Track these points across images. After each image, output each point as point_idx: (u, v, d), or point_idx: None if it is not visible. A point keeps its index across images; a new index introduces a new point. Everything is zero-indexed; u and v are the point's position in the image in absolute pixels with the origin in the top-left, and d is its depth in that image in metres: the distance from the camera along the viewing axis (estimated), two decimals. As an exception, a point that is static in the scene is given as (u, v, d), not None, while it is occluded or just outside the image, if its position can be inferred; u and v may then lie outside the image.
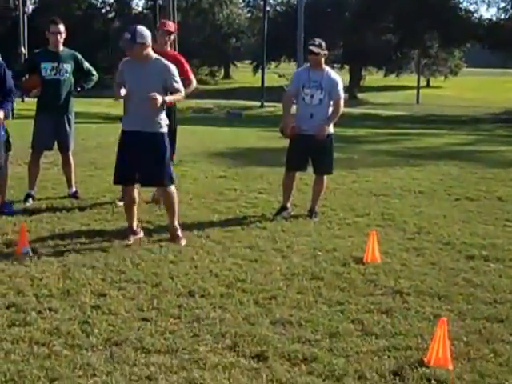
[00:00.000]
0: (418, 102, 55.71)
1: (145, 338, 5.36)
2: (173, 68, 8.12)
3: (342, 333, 5.60)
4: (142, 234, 8.33)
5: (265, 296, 6.41)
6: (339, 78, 9.73)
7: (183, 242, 8.13)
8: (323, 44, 9.50)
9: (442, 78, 70.53)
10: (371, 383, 4.77)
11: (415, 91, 57.42)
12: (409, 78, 64.35)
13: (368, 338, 5.53)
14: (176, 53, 10.52)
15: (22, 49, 36.47)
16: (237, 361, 5.03)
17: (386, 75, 66.95)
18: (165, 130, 8.10)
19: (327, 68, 9.67)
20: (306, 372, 4.89)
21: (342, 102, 9.55)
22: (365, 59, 60.86)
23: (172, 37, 10.01)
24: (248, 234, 8.63)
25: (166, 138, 8.13)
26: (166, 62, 8.11)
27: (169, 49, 10.08)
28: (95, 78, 10.57)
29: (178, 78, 8.14)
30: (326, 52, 9.54)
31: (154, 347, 5.20)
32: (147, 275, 6.92)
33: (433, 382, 4.81)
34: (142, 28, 7.84)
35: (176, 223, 8.28)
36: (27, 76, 10.52)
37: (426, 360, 5.09)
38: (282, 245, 8.18)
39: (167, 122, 8.16)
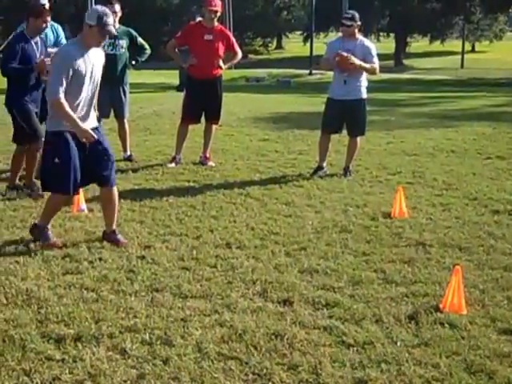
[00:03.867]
0: (462, 66, 54.68)
1: (183, 284, 5.53)
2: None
3: (364, 281, 5.69)
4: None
5: (295, 247, 6.53)
6: (373, 45, 9.71)
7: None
8: (356, 16, 9.48)
9: (487, 42, 68.94)
10: (387, 326, 4.85)
11: (460, 56, 56.33)
12: (454, 44, 63.06)
13: (388, 285, 5.62)
14: (222, 28, 10.66)
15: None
16: (264, 305, 5.17)
17: (431, 42, 65.73)
18: None
19: (360, 37, 9.66)
20: (327, 316, 5.00)
21: (376, 66, 9.48)
22: (410, 27, 59.88)
23: (218, 14, 10.14)
24: (285, 192, 8.73)
25: None
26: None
27: (216, 24, 10.22)
28: (148, 51, 10.75)
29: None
30: (359, 23, 9.51)
31: (191, 293, 5.36)
32: (189, 229, 7.08)
33: (446, 325, 4.87)
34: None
35: None
36: None
37: (441, 306, 5.16)
38: (315, 201, 8.27)
39: None
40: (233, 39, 10.48)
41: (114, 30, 6.54)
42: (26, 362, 4.24)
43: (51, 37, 9.32)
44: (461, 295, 5.15)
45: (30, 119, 8.28)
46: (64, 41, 9.45)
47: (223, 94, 10.51)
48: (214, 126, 10.62)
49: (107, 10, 6.38)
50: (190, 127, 10.65)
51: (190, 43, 10.32)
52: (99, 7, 6.50)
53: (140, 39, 10.62)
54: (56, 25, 9.48)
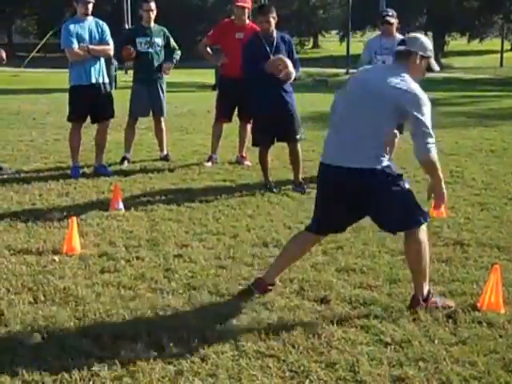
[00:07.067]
0: (501, 65, 54.14)
1: (220, 283, 5.58)
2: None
3: (401, 279, 5.69)
4: None
5: (332, 246, 6.54)
6: (411, 43, 9.72)
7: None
8: (395, 14, 9.56)
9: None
10: (425, 325, 4.85)
11: (499, 55, 55.78)
12: (492, 43, 62.49)
13: (426, 284, 5.61)
14: (254, 25, 10.65)
15: (126, 25, 36.82)
16: (302, 303, 5.19)
17: (469, 41, 65.15)
18: None
19: (398, 35, 9.67)
20: (364, 314, 5.01)
21: None
22: (448, 25, 59.35)
23: (247, 10, 10.15)
24: (322, 191, 8.72)
25: None
26: None
27: (247, 22, 10.24)
28: (177, 55, 10.73)
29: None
30: (397, 21, 9.59)
31: (228, 291, 5.40)
32: (226, 228, 7.14)
33: (484, 324, 4.86)
34: None
35: None
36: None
37: (478, 305, 5.15)
38: (353, 200, 8.26)
39: None
40: None
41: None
42: (65, 359, 4.29)
43: (96, 34, 9.46)
44: (498, 294, 5.13)
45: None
46: (109, 39, 9.58)
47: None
48: (248, 125, 10.64)
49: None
50: (226, 126, 10.72)
51: (221, 42, 10.35)
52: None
53: (172, 41, 10.62)
54: (101, 22, 9.63)
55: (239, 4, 10.07)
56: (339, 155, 4.98)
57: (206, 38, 10.57)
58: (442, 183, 5.11)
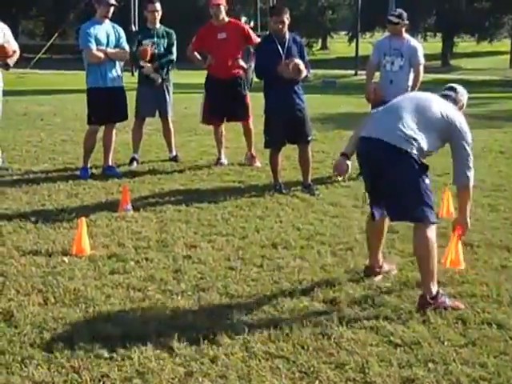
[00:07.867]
0: (511, 66, 54.01)
1: (229, 284, 5.60)
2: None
3: (411, 281, 5.70)
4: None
5: (342, 248, 6.56)
6: (419, 45, 9.72)
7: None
8: (403, 14, 9.51)
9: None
10: (434, 326, 4.86)
11: (508, 56, 55.63)
12: (502, 44, 62.43)
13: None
14: (235, 21, 10.57)
15: (133, 27, 36.74)
16: (311, 304, 5.21)
17: (478, 42, 65.04)
18: None
19: (407, 36, 9.66)
20: (373, 315, 5.02)
21: (421, 68, 9.53)
22: (458, 27, 59.23)
23: (222, 7, 10.09)
24: (331, 192, 8.76)
25: None
26: None
27: (226, 19, 10.22)
28: (171, 60, 10.58)
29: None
30: (407, 22, 9.53)
31: (237, 292, 5.42)
32: (235, 229, 7.15)
33: (493, 326, 4.87)
34: None
35: None
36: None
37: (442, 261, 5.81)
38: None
39: None
40: (248, 29, 10.37)
41: None
42: (75, 360, 4.31)
43: (113, 38, 9.48)
44: (458, 252, 5.93)
45: None
46: (125, 43, 9.61)
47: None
48: (250, 125, 10.57)
49: None
50: (233, 127, 10.72)
51: (205, 46, 10.33)
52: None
53: (173, 49, 10.52)
54: (117, 26, 9.66)
55: (214, 2, 10.06)
56: (377, 129, 5.30)
57: (190, 45, 10.49)
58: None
